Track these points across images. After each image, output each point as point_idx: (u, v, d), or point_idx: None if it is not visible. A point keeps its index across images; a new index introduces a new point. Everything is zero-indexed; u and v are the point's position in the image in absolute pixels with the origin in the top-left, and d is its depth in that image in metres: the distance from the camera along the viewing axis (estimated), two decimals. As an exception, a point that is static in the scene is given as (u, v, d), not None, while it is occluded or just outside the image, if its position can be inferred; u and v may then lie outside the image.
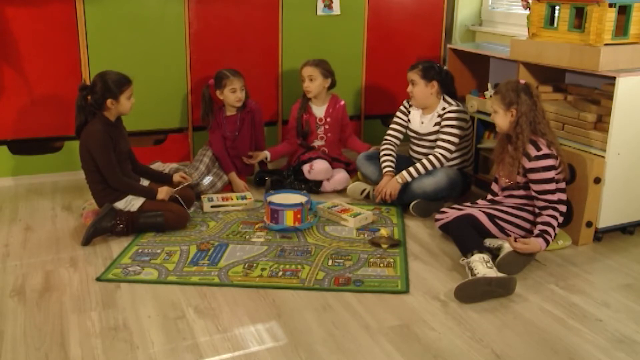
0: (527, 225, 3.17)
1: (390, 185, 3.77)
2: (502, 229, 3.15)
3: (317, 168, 4.09)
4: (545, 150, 3.06)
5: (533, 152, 3.06)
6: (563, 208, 3.12)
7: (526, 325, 2.61)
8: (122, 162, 3.45)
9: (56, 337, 2.47)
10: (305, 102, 4.32)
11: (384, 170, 3.89)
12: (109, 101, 3.34)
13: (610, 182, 3.32)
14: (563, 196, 3.13)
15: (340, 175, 4.16)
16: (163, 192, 3.51)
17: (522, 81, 3.15)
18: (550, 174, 3.07)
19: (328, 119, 4.32)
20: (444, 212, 3.35)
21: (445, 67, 4.00)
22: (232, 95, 4.07)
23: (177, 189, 3.59)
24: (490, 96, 4.10)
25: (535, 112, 3.08)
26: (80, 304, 2.72)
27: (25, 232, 3.48)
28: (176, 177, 3.68)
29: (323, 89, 4.27)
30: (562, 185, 3.15)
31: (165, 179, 3.68)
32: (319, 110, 4.32)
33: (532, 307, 2.75)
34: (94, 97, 3.34)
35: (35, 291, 2.82)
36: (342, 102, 4.37)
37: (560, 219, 3.09)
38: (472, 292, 2.76)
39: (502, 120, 3.16)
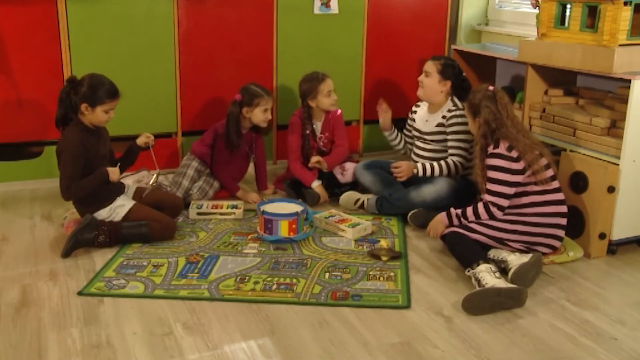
0: (525, 231, 3.18)
1: (406, 168, 3.86)
2: (500, 240, 3.16)
3: (350, 169, 4.17)
4: (500, 150, 3.15)
5: (490, 149, 3.19)
6: (537, 211, 3.18)
7: (535, 343, 2.60)
8: (104, 165, 3.44)
9: (33, 356, 2.45)
10: (309, 120, 4.23)
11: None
12: (83, 105, 3.31)
13: (625, 192, 3.31)
14: (525, 200, 3.19)
15: (351, 165, 4.23)
16: (114, 172, 3.42)
17: (491, 88, 3.26)
18: (499, 175, 3.15)
19: (326, 133, 4.29)
20: None
21: (464, 74, 4.01)
22: (263, 115, 4.06)
23: (154, 177, 3.60)
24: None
25: (501, 120, 3.17)
26: (60, 320, 2.71)
27: (1, 243, 3.47)
28: (141, 140, 3.59)
29: None
30: (532, 188, 3.17)
31: (130, 149, 3.63)
32: (317, 126, 4.30)
33: (541, 323, 2.74)
34: (75, 96, 3.33)
35: (11, 306, 2.80)
36: (339, 112, 4.32)
37: (484, 217, 3.21)
38: (480, 303, 2.77)
39: (472, 128, 3.35)
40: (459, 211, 3.31)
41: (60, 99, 3.35)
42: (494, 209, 3.18)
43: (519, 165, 3.13)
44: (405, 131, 4.24)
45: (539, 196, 3.18)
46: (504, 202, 3.17)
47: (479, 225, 3.19)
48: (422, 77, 3.96)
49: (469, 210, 3.27)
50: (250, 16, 4.51)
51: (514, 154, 3.13)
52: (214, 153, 4.09)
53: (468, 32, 5.20)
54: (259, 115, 4.04)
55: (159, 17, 4.29)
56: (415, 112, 4.13)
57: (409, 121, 4.20)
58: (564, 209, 3.21)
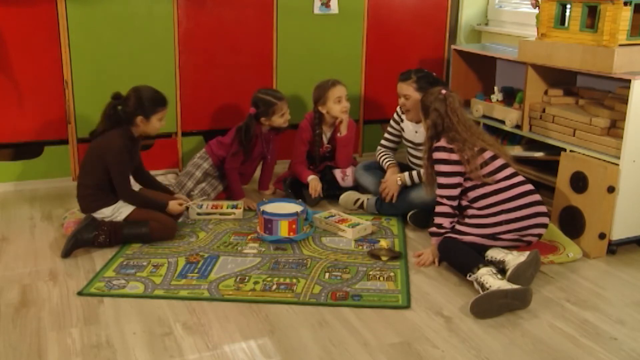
0: (512, 219, 3.15)
1: (391, 186, 3.81)
2: (492, 236, 3.14)
3: (350, 175, 4.17)
4: (441, 143, 3.22)
5: (434, 143, 3.27)
6: (483, 204, 3.18)
7: (535, 343, 2.59)
8: (128, 175, 3.49)
9: (33, 356, 2.44)
10: (319, 126, 4.20)
11: (387, 164, 3.96)
12: (139, 118, 3.39)
13: (625, 192, 3.31)
14: (475, 193, 3.20)
15: (352, 171, 4.21)
16: (175, 206, 3.52)
17: (443, 91, 3.30)
18: (441, 167, 3.22)
19: (329, 146, 4.28)
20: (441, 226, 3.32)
21: (434, 74, 3.93)
22: (282, 119, 4.10)
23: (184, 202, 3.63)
24: (497, 100, 4.12)
25: (450, 124, 3.22)
26: (60, 320, 2.70)
27: (1, 243, 3.46)
28: (174, 207, 3.53)
29: None
30: (474, 182, 3.18)
31: (162, 191, 3.69)
32: (326, 135, 4.27)
33: (541, 323, 2.74)
34: (124, 110, 3.38)
35: (10, 306, 2.80)
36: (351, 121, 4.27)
37: (445, 210, 3.22)
38: (488, 306, 2.76)
39: (423, 127, 3.41)
40: (433, 228, 3.27)
41: (108, 114, 3.41)
42: (443, 201, 3.23)
43: (459, 157, 3.18)
44: (389, 135, 4.12)
45: (510, 190, 3.18)
46: (452, 192, 3.21)
47: (468, 227, 3.18)
48: (402, 101, 3.87)
49: (435, 219, 3.27)
50: (250, 16, 4.50)
51: (455, 146, 3.19)
52: (231, 150, 4.06)
53: (468, 32, 5.19)
54: (278, 120, 4.08)
55: (159, 17, 4.29)
56: (402, 119, 4.02)
57: (393, 124, 4.08)
58: (537, 197, 3.20)
